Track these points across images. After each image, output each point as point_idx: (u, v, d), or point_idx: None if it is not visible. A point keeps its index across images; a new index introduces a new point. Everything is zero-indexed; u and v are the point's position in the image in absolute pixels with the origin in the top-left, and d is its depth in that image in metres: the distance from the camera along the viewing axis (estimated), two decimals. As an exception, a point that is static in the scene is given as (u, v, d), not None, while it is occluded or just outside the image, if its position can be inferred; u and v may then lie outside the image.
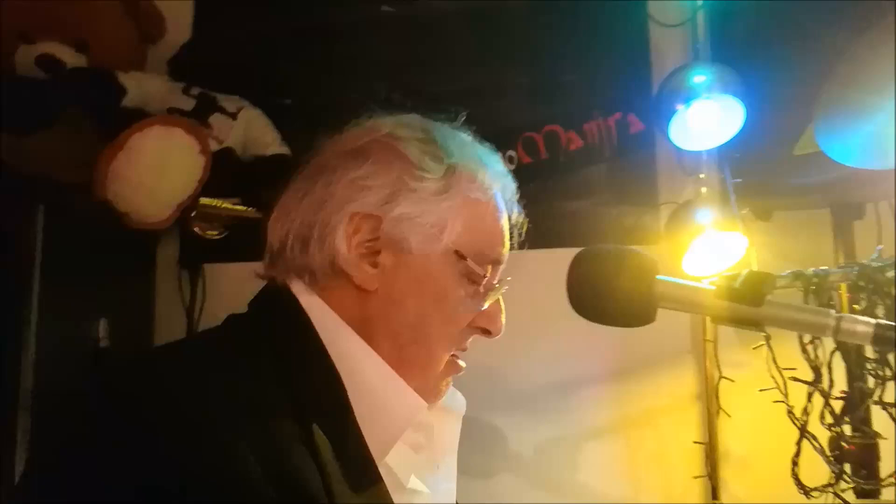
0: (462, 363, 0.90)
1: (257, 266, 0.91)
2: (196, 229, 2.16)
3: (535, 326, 1.93)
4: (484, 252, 0.86)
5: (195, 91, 2.22)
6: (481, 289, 0.86)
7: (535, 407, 2.08)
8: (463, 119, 0.95)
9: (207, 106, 2.21)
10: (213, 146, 2.08)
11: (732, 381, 1.87)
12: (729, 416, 1.90)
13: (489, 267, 0.87)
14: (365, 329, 0.82)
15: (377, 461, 0.78)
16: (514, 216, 0.93)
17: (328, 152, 0.89)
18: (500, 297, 0.90)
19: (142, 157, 1.93)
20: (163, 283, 2.27)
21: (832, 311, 0.72)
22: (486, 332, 0.89)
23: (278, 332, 0.79)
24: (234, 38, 2.42)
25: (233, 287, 2.31)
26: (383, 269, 0.82)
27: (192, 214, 2.10)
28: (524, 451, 2.10)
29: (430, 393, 0.87)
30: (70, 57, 2.05)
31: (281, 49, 2.40)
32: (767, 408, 1.52)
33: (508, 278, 0.89)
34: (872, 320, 0.70)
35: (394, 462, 0.81)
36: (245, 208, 2.17)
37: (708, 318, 1.67)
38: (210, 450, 0.63)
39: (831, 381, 1.23)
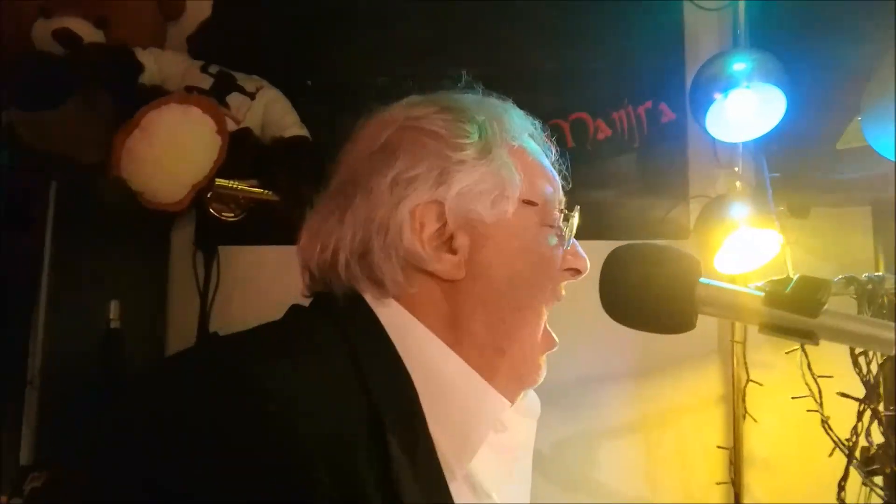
0: (556, 338, 0.86)
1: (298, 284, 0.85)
2: (212, 211, 2.13)
3: (558, 321, 1.87)
4: (546, 194, 0.83)
5: (213, 69, 2.17)
6: (558, 228, 0.83)
7: (554, 402, 2.01)
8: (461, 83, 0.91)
9: (226, 85, 2.16)
10: (231, 126, 2.04)
11: (761, 384, 1.80)
12: (755, 420, 1.83)
13: (558, 206, 0.84)
14: (458, 321, 0.77)
15: (462, 466, 0.75)
16: (551, 152, 0.89)
17: (349, 162, 0.83)
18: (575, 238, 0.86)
19: (157, 136, 1.89)
20: (177, 264, 2.24)
21: (895, 324, 0.65)
22: (576, 272, 0.85)
23: (350, 334, 0.74)
24: (254, 16, 2.36)
25: (248, 270, 2.27)
26: (464, 252, 0.78)
27: (209, 196, 2.06)
28: (541, 446, 2.04)
29: (532, 369, 0.83)
30: (88, 32, 2.01)
31: (302, 29, 2.34)
32: (796, 413, 1.46)
33: (578, 207, 0.85)
34: (942, 336, 0.63)
35: (477, 467, 0.77)
36: (262, 191, 2.13)
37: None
38: (278, 458, 0.60)
39: (880, 395, 1.16)
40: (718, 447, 1.89)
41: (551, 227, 0.82)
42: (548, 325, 0.85)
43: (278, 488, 0.58)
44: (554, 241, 0.82)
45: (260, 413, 0.61)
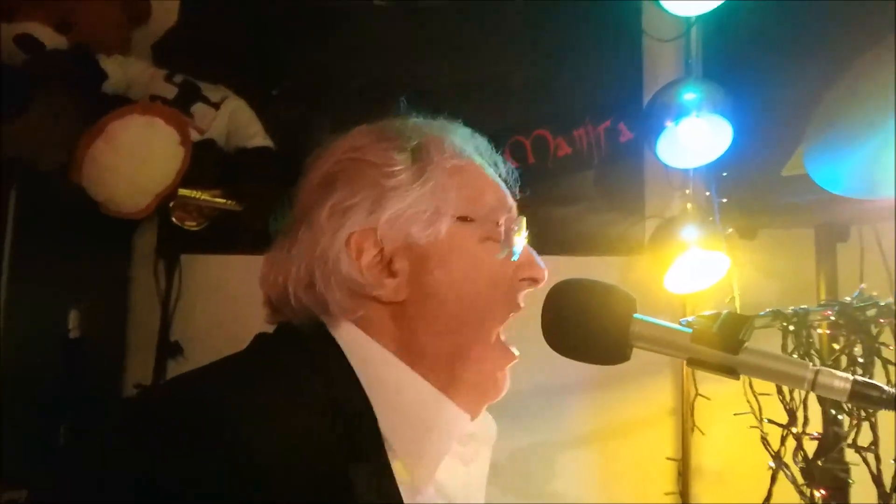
0: (516, 351, 0.87)
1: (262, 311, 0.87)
2: (175, 219, 2.12)
3: (515, 333, 1.91)
4: (486, 207, 0.84)
5: (178, 79, 2.17)
6: (503, 241, 0.83)
7: (511, 413, 2.05)
8: (402, 107, 0.93)
9: (190, 95, 2.17)
10: (195, 136, 2.04)
11: (708, 398, 1.86)
12: (703, 433, 1.89)
13: (499, 218, 0.84)
14: (409, 341, 0.79)
15: (426, 479, 0.76)
16: (501, 166, 0.91)
17: (300, 195, 0.86)
18: (527, 245, 0.87)
19: (121, 145, 1.88)
20: (138, 273, 2.23)
21: (810, 364, 0.70)
22: (533, 281, 0.86)
23: (314, 362, 0.76)
24: (220, 25, 2.36)
25: (211, 279, 2.27)
26: (403, 274, 0.80)
27: (171, 205, 2.06)
28: (498, 457, 2.06)
29: (491, 384, 0.84)
30: (50, 37, 1.99)
31: (268, 39, 2.35)
32: (742, 427, 1.51)
33: (523, 218, 0.87)
34: (850, 376, 0.68)
35: (444, 478, 0.79)
36: (226, 200, 2.14)
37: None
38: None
39: (806, 419, 1.22)
40: (668, 459, 1.96)
41: (496, 240, 0.83)
42: (506, 340, 0.87)
43: None
44: (501, 253, 0.83)
45: (232, 457, 0.63)
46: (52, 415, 1.77)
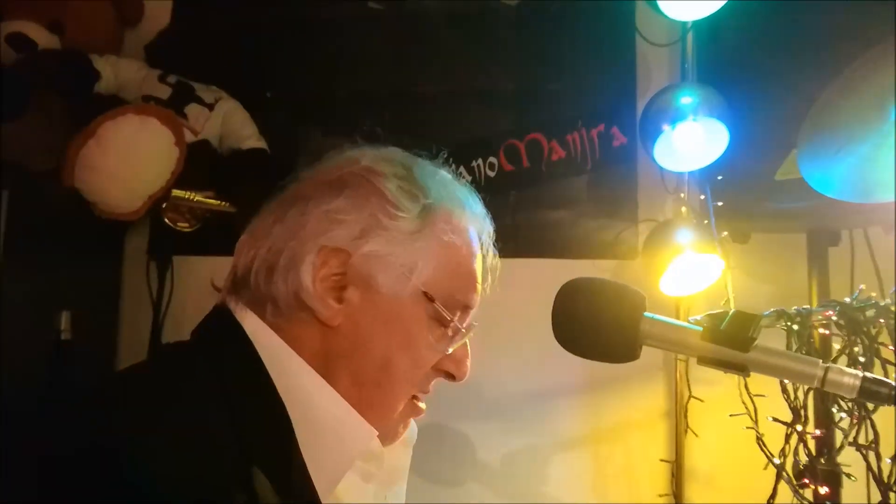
0: (422, 405, 0.88)
1: (220, 282, 0.87)
2: (167, 221, 2.11)
3: (509, 335, 1.92)
4: (455, 296, 0.84)
5: (172, 79, 2.16)
6: (449, 332, 0.84)
7: (505, 416, 2.08)
8: (444, 157, 0.93)
9: (184, 95, 2.16)
10: (189, 137, 2.03)
11: (702, 400, 1.88)
12: (696, 435, 1.91)
13: (458, 311, 0.84)
14: (326, 365, 0.80)
15: (326, 493, 0.76)
16: (490, 259, 0.91)
17: (306, 181, 0.86)
18: (468, 342, 0.87)
19: (113, 146, 1.87)
20: (130, 274, 2.22)
21: (819, 361, 0.71)
22: (450, 377, 0.87)
23: (224, 365, 0.76)
24: (214, 26, 2.36)
25: (202, 281, 2.24)
26: (349, 305, 0.80)
27: (164, 206, 2.05)
28: (492, 460, 2.09)
29: (387, 435, 0.85)
30: (43, 37, 1.98)
31: (262, 41, 2.35)
32: (736, 429, 1.53)
33: (476, 324, 0.87)
34: (859, 373, 0.70)
35: (343, 491, 0.79)
36: (219, 202, 2.13)
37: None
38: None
39: (806, 418, 1.24)
40: (661, 461, 1.97)
41: (444, 326, 0.83)
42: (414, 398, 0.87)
43: None
44: (441, 341, 0.83)
45: (122, 485, 0.62)
46: (42, 418, 1.75)
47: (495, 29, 2.25)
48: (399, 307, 0.81)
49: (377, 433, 0.81)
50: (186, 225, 2.16)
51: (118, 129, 1.86)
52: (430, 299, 0.81)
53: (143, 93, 2.10)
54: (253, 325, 0.79)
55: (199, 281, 2.24)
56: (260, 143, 2.24)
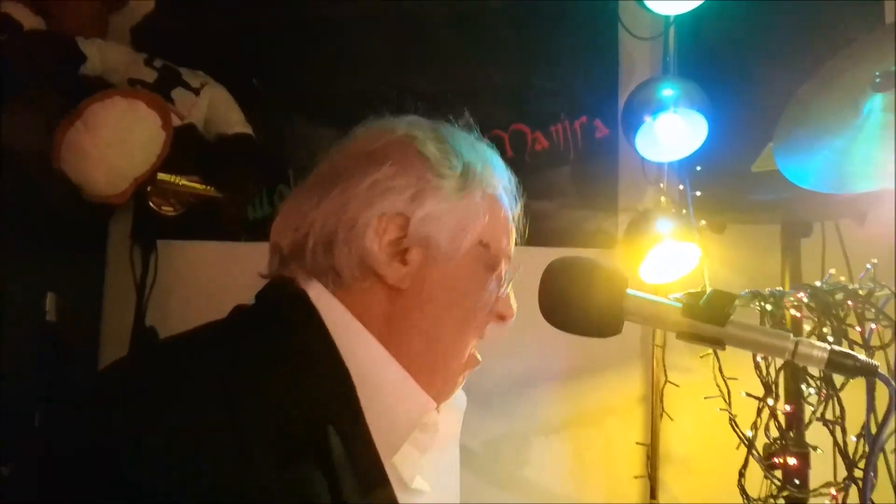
0: (479, 357, 0.92)
1: (262, 267, 0.91)
2: (152, 205, 2.12)
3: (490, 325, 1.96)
4: (500, 245, 0.90)
5: (158, 63, 2.16)
6: (500, 277, 0.90)
7: (486, 403, 2.11)
8: (466, 119, 0.97)
9: (170, 79, 2.16)
10: (175, 122, 2.04)
11: (677, 385, 1.93)
12: (672, 419, 1.96)
13: (505, 258, 0.91)
14: (391, 330, 0.83)
15: (385, 461, 0.79)
16: (517, 211, 0.97)
17: (338, 157, 0.90)
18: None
19: (100, 129, 1.87)
20: (114, 258, 2.22)
21: (791, 335, 0.76)
22: (501, 318, 0.93)
23: (293, 334, 0.79)
24: (199, 10, 2.36)
25: (187, 265, 2.27)
26: (413, 266, 0.84)
27: (149, 189, 2.05)
28: (473, 445, 2.13)
29: (449, 387, 0.89)
30: (28, 19, 1.97)
31: (250, 27, 2.35)
32: (709, 413, 1.58)
33: (519, 267, 0.93)
34: (827, 346, 0.74)
35: (399, 462, 0.82)
36: (204, 187, 2.14)
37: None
38: (208, 456, 0.63)
39: (777, 395, 1.29)
40: (638, 443, 2.02)
41: (494, 272, 0.89)
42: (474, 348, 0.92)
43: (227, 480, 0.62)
44: (492, 286, 0.89)
45: (208, 437, 0.64)
46: (27, 398, 1.75)
47: (480, 22, 2.28)
48: (458, 261, 0.85)
49: (435, 405, 0.85)
50: (171, 209, 2.17)
51: (105, 112, 1.86)
52: (486, 246, 0.87)
53: (130, 76, 2.10)
54: (317, 292, 0.82)
55: (184, 265, 2.25)
56: (246, 129, 2.25)
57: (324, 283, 0.83)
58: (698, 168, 1.77)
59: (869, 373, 0.74)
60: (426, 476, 0.89)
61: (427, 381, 0.84)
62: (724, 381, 1.42)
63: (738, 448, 1.46)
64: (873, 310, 1.24)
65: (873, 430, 1.18)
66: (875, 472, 1.18)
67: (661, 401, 1.95)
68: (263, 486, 0.65)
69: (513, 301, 0.94)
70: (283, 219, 0.88)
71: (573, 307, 0.83)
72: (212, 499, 0.61)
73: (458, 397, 0.94)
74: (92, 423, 0.66)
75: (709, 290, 0.82)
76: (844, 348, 0.77)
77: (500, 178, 0.93)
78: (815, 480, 1.43)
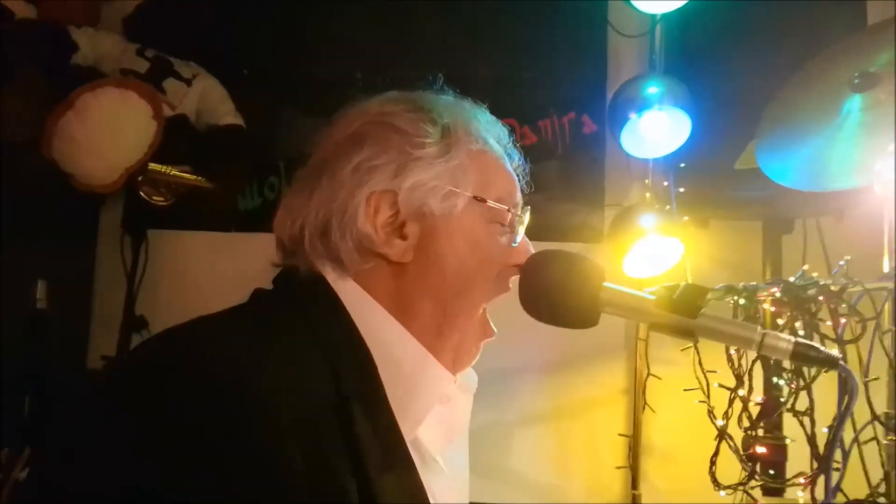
0: (494, 328, 0.92)
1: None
2: (143, 194, 2.13)
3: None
4: (500, 195, 0.89)
5: (150, 53, 2.17)
6: (508, 227, 0.90)
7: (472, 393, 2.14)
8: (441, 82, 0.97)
9: (162, 70, 2.17)
10: (166, 112, 2.05)
11: (660, 378, 1.97)
12: (654, 411, 2.00)
13: (510, 207, 0.90)
14: (402, 303, 0.84)
15: (409, 434, 0.80)
16: (515, 158, 0.96)
17: (322, 146, 0.90)
18: (525, 236, 0.93)
19: (92, 118, 1.89)
20: (105, 246, 2.23)
21: (758, 328, 0.79)
22: (521, 268, 0.91)
23: (313, 315, 0.80)
24: (192, 2, 2.36)
25: (177, 254, 2.29)
26: (413, 238, 0.84)
27: (140, 179, 2.06)
28: (458, 434, 2.16)
29: (465, 352, 0.89)
30: (19, 7, 1.97)
31: (241, 18, 2.36)
32: (690, 406, 1.61)
33: (528, 209, 0.93)
34: (792, 338, 0.77)
35: (423, 435, 0.84)
36: (195, 177, 2.15)
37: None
38: (248, 428, 0.65)
39: (751, 387, 1.33)
40: (620, 435, 2.06)
41: (501, 224, 0.89)
42: (488, 316, 0.91)
43: (254, 467, 0.64)
44: (503, 238, 0.89)
45: (237, 401, 0.66)
46: (16, 384, 1.77)
47: (471, 18, 2.30)
48: (457, 221, 0.86)
49: (454, 377, 0.86)
50: (162, 199, 2.18)
51: (97, 102, 1.88)
52: (482, 200, 0.87)
53: (122, 66, 2.12)
54: (330, 275, 0.84)
55: (174, 255, 2.27)
56: (237, 120, 2.27)
57: (331, 268, 0.85)
58: (682, 165, 1.80)
59: (831, 364, 0.78)
60: (442, 451, 0.90)
61: (443, 346, 0.85)
62: (704, 373, 1.46)
63: (715, 438, 1.49)
64: (845, 305, 1.27)
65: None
66: (845, 460, 1.22)
67: (644, 393, 1.98)
68: (288, 455, 0.66)
69: (530, 248, 0.92)
70: (282, 214, 0.89)
71: (551, 299, 0.86)
72: (235, 466, 0.63)
73: (470, 377, 0.95)
74: (116, 410, 0.67)
75: (683, 283, 0.85)
76: (814, 342, 0.80)
77: (488, 131, 0.91)
78: (794, 470, 1.48)
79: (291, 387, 0.70)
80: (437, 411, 0.87)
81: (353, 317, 0.81)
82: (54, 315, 1.87)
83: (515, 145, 0.96)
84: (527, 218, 0.93)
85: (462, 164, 0.86)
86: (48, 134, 1.84)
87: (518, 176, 0.95)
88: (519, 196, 0.93)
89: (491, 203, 0.88)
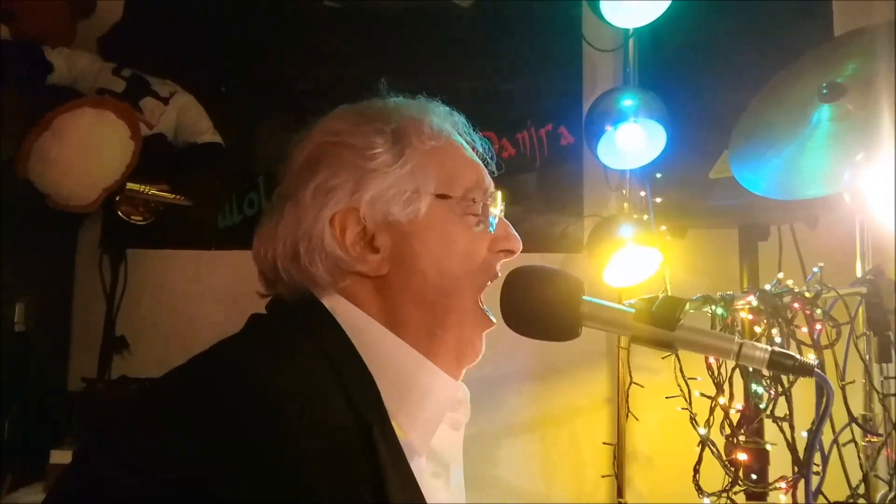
0: (492, 317, 0.91)
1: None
2: (121, 213, 2.12)
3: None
4: (465, 185, 0.89)
5: (126, 72, 2.16)
6: (480, 215, 0.89)
7: (456, 405, 2.15)
8: (383, 90, 0.97)
9: (139, 88, 2.17)
10: (144, 131, 2.04)
11: (642, 386, 1.98)
12: (637, 419, 2.02)
13: (478, 194, 0.89)
14: (392, 311, 0.84)
15: (425, 444, 0.81)
16: (478, 143, 0.95)
17: (285, 176, 0.91)
18: (504, 218, 0.93)
19: (69, 139, 1.87)
20: (83, 266, 2.21)
21: (735, 337, 0.80)
22: (508, 252, 0.92)
23: (318, 335, 0.80)
24: (167, 19, 2.36)
25: (156, 273, 2.27)
26: (385, 250, 0.85)
27: (118, 198, 2.06)
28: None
29: (469, 347, 0.89)
30: (-9, 26, 1.97)
31: (217, 36, 2.36)
32: (673, 413, 1.63)
33: (499, 193, 0.92)
34: (769, 347, 0.79)
35: (439, 445, 0.84)
36: (173, 195, 2.15)
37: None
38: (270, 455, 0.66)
39: (731, 395, 1.35)
40: (604, 443, 2.08)
41: (473, 215, 0.88)
42: (485, 306, 0.91)
43: (280, 479, 0.65)
44: (479, 227, 0.88)
45: (264, 418, 0.67)
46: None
47: (450, 30, 2.32)
48: (426, 222, 0.85)
49: (459, 382, 0.87)
50: (140, 218, 2.17)
51: (74, 122, 1.86)
52: (446, 196, 0.86)
53: (98, 85, 2.11)
54: (332, 301, 0.84)
55: (153, 273, 2.25)
56: (215, 138, 2.27)
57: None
58: (658, 175, 1.83)
59: (807, 372, 0.80)
60: (455, 458, 0.90)
61: (440, 347, 0.85)
62: (685, 381, 1.47)
63: (698, 446, 1.51)
64: (820, 311, 1.30)
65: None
66: (824, 463, 1.25)
67: (627, 401, 2.00)
68: (312, 479, 0.67)
69: (512, 231, 0.92)
70: (256, 245, 0.89)
71: (532, 315, 0.87)
72: (260, 491, 0.64)
73: (461, 390, 0.95)
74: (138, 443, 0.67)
75: (661, 295, 0.86)
76: (790, 350, 0.82)
77: (441, 126, 0.91)
78: (775, 475, 1.50)
79: (319, 416, 0.71)
80: (451, 418, 0.88)
81: (352, 335, 0.81)
82: (33, 336, 1.85)
83: (488, 153, 0.96)
84: (499, 201, 0.92)
85: (419, 164, 0.87)
86: (24, 154, 1.82)
87: (486, 160, 0.94)
88: (488, 181, 0.93)
89: (454, 198, 0.87)
